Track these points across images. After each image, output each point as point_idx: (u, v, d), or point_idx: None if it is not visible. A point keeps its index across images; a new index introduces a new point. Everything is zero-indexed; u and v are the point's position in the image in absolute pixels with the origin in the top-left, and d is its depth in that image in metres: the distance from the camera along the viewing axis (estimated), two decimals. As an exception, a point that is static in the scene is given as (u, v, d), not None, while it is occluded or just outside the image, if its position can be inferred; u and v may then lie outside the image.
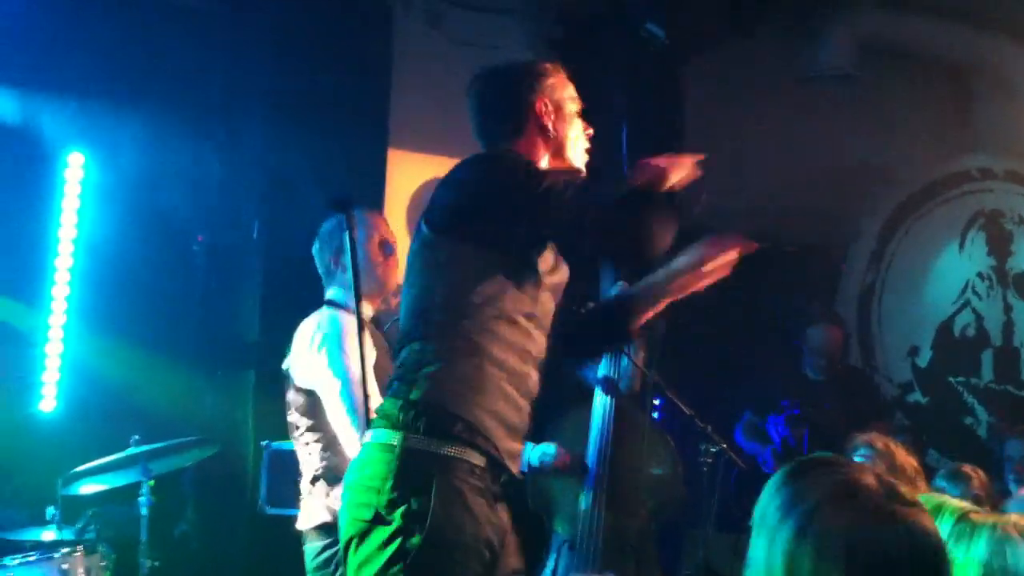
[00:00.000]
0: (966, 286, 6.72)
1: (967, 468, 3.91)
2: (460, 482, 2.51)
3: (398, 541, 2.45)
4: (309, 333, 3.62)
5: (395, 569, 2.45)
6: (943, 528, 1.81)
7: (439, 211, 2.70)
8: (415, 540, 2.44)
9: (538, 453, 4.49)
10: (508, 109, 2.83)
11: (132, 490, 4.24)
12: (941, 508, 1.88)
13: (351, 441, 3.38)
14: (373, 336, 3.64)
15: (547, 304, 2.73)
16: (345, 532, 2.57)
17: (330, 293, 3.77)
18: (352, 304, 3.59)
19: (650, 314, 2.88)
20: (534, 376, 2.69)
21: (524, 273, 2.66)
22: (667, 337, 4.51)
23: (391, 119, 5.68)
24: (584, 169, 2.90)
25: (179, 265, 5.26)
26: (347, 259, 3.02)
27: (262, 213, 5.33)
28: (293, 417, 3.71)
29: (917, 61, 6.91)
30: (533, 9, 6.25)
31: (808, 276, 6.90)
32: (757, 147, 6.78)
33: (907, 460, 3.66)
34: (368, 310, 3.70)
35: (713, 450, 4.60)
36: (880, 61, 6.73)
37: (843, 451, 3.77)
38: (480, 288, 2.59)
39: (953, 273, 6.77)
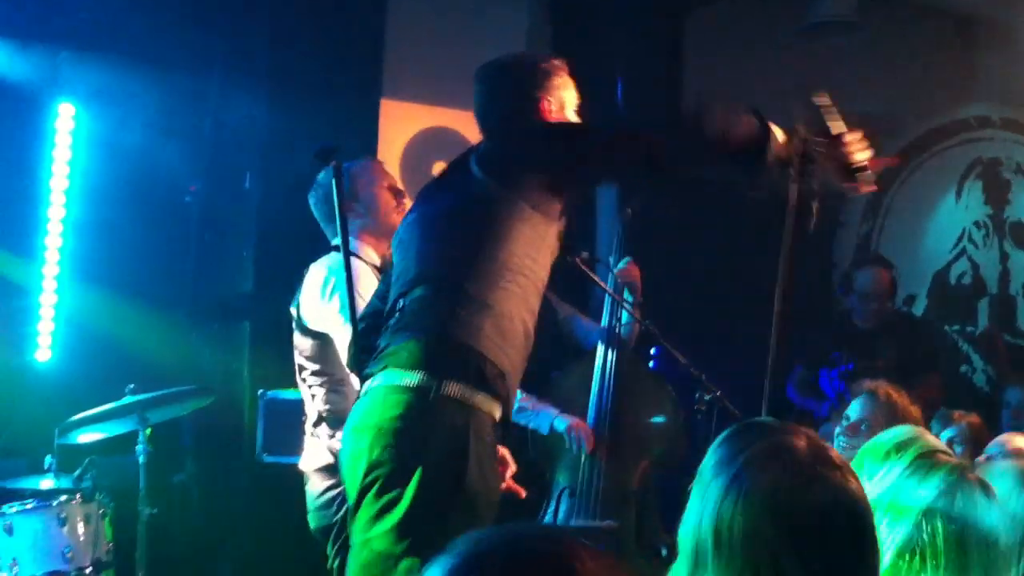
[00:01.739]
0: (962, 235, 6.69)
1: (958, 413, 3.92)
2: (487, 440, 2.54)
3: (431, 488, 2.44)
4: (320, 278, 3.62)
5: (420, 513, 2.44)
6: (901, 463, 1.83)
7: (485, 161, 2.75)
8: (445, 489, 2.45)
9: (559, 423, 4.47)
10: (515, 105, 2.88)
11: (129, 439, 4.24)
12: (911, 443, 1.88)
13: None
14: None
15: (555, 242, 2.79)
16: (358, 476, 2.52)
17: (337, 239, 3.75)
18: (360, 250, 3.60)
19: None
20: (533, 335, 2.72)
21: (551, 234, 2.72)
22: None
23: (384, 69, 5.65)
24: None
25: (172, 216, 5.25)
26: (336, 208, 3.01)
27: (254, 164, 5.31)
28: (300, 360, 3.72)
29: (917, 9, 6.85)
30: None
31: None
32: (757, 98, 6.73)
33: (909, 409, 3.65)
34: (374, 256, 3.71)
35: (707, 398, 4.60)
36: (881, 9, 6.67)
37: None
38: (522, 243, 2.63)
39: (950, 222, 6.74)
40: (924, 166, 6.86)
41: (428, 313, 2.60)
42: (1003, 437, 3.21)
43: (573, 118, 2.92)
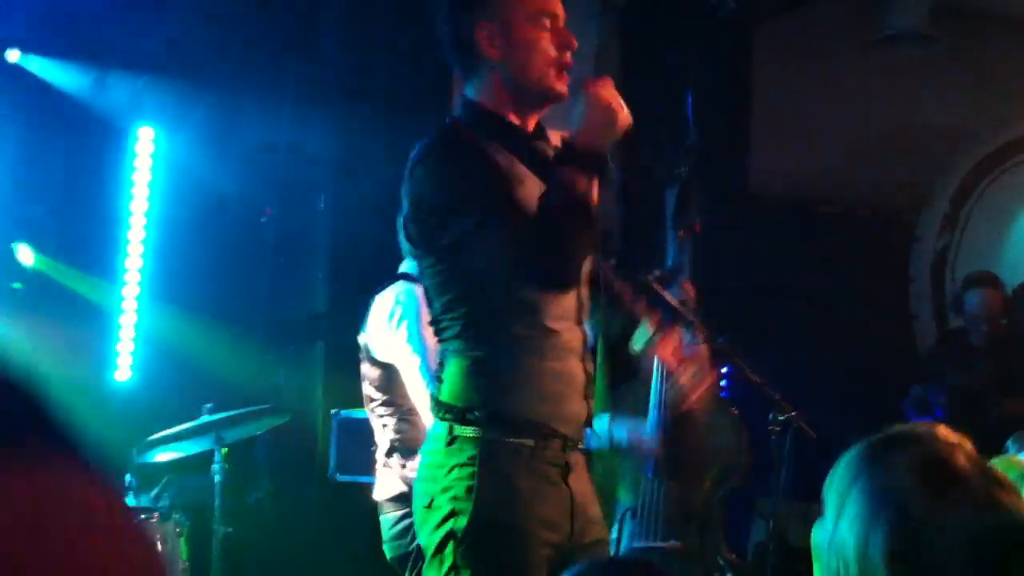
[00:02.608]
0: (1045, 248, 6.55)
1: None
2: (506, 464, 2.50)
3: (449, 524, 2.47)
4: (388, 307, 3.63)
5: (447, 550, 2.47)
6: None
7: (413, 212, 2.56)
8: (461, 522, 2.45)
9: (618, 427, 4.46)
10: (451, 43, 2.50)
11: (206, 458, 4.30)
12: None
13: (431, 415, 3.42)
14: None
15: (575, 297, 2.65)
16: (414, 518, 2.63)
17: (405, 266, 3.75)
18: None
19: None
20: (568, 335, 2.58)
21: None
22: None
23: (454, 88, 5.67)
24: (563, 91, 2.51)
25: (248, 238, 5.32)
26: None
27: (329, 187, 5.37)
28: (368, 390, 3.73)
29: (992, 20, 6.73)
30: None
31: (880, 241, 6.78)
32: (828, 112, 6.67)
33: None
34: None
35: (782, 418, 4.54)
36: (953, 21, 6.56)
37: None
38: (481, 273, 2.51)
39: (1031, 236, 6.61)
40: (1001, 180, 6.73)
41: (440, 369, 2.61)
42: None
43: (537, 33, 2.46)
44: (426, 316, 3.45)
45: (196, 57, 5.17)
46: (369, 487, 3.83)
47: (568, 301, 2.60)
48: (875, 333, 6.39)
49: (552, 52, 2.47)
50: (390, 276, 3.77)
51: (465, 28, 2.47)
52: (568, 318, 2.61)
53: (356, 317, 3.83)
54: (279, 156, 5.33)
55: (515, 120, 2.54)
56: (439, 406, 2.56)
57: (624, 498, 4.61)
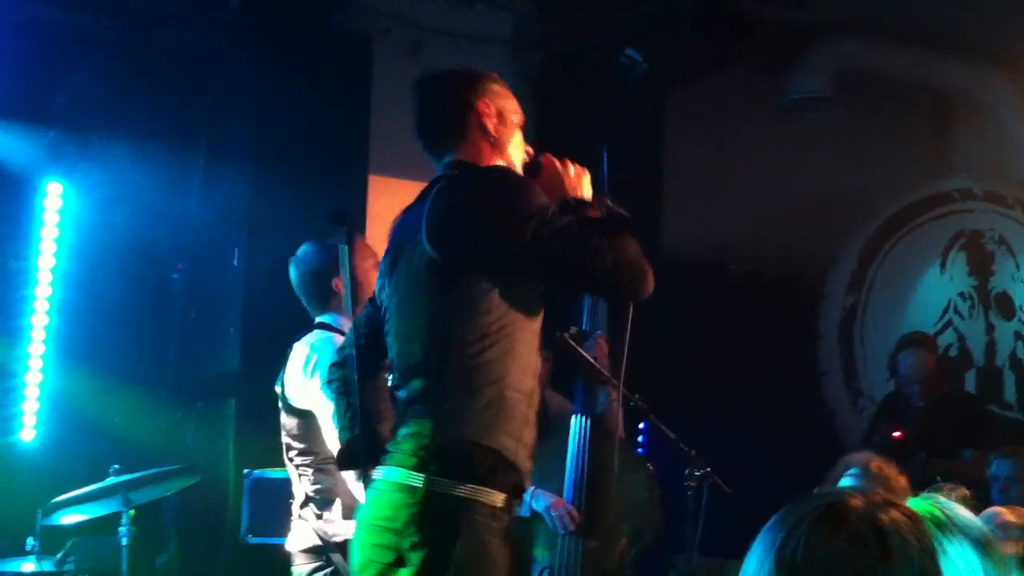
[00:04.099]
0: (948, 306, 6.74)
1: (947, 486, 3.91)
2: (483, 529, 2.48)
3: None
4: (303, 355, 3.61)
5: None
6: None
7: (456, 244, 2.60)
8: None
9: (537, 502, 4.46)
10: (450, 109, 2.77)
11: (113, 520, 4.19)
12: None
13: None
14: None
15: (541, 313, 2.70)
16: (355, 568, 2.56)
17: (321, 316, 3.72)
18: (344, 326, 3.58)
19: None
20: (538, 391, 2.66)
21: (533, 295, 2.64)
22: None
23: (371, 146, 5.69)
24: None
25: (159, 294, 5.25)
26: (346, 276, 3.00)
27: (241, 241, 5.33)
28: (286, 439, 3.69)
29: (896, 87, 6.97)
30: (514, 38, 6.29)
31: (789, 301, 6.91)
32: (738, 175, 6.82)
33: (898, 480, 3.66)
34: None
35: (697, 474, 4.58)
36: (859, 87, 6.79)
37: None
38: (497, 316, 2.55)
39: (935, 294, 6.79)
40: (906, 239, 6.94)
41: (417, 410, 2.58)
42: (990, 511, 3.21)
43: (515, 132, 2.80)
44: None
45: (107, 113, 5.12)
46: (282, 548, 3.75)
47: (536, 359, 2.65)
48: (786, 390, 6.50)
49: (522, 147, 2.83)
50: (306, 327, 3.74)
51: (468, 99, 2.77)
52: (536, 376, 2.65)
53: (269, 373, 3.78)
54: (191, 211, 5.28)
55: None
56: (422, 446, 2.50)
57: (541, 557, 4.58)
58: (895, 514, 1.39)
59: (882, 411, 5.91)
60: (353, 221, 3.04)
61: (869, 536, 1.35)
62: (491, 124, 2.76)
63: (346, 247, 3.00)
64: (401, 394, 2.65)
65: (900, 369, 5.70)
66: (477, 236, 2.58)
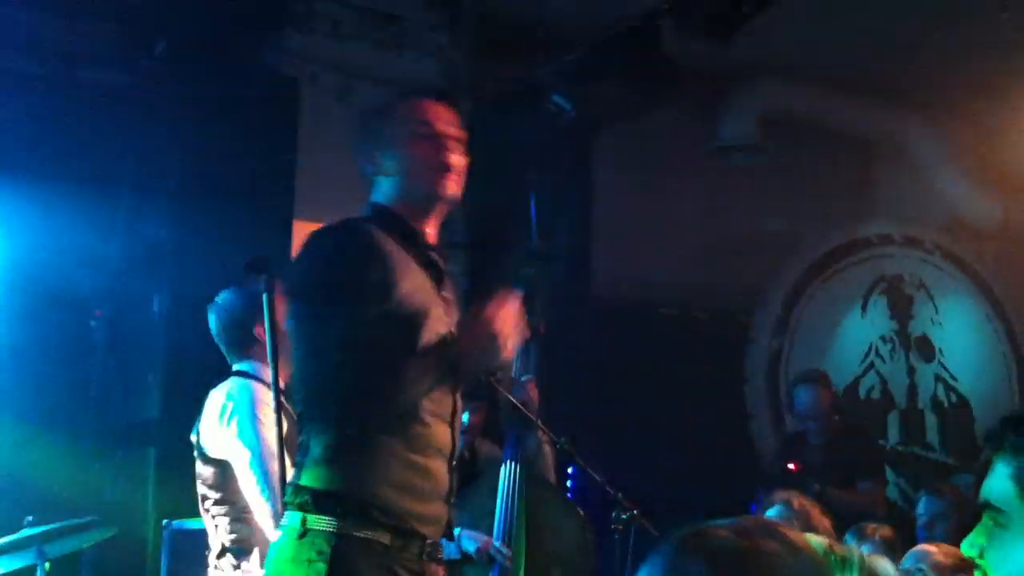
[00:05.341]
0: (870, 349, 6.85)
1: (871, 526, 3.97)
2: (359, 559, 2.48)
3: None
4: (219, 402, 3.56)
5: None
6: None
7: (293, 298, 2.68)
8: None
9: (467, 543, 4.43)
10: (363, 165, 2.81)
11: (27, 573, 4.08)
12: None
13: (263, 511, 3.35)
14: (284, 408, 3.58)
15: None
16: None
17: (240, 364, 3.69)
18: (263, 375, 3.53)
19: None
20: (442, 433, 2.63)
21: (389, 335, 2.58)
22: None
23: (297, 191, 5.66)
24: (449, 195, 2.77)
25: (77, 340, 5.15)
26: (266, 323, 2.97)
27: (163, 287, 5.25)
28: (202, 489, 3.63)
29: (819, 132, 7.10)
30: (443, 82, 6.30)
31: (717, 342, 6.98)
32: (666, 218, 6.89)
33: (821, 520, 3.72)
34: (281, 380, 3.65)
35: (624, 516, 4.58)
36: (784, 132, 6.90)
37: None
38: (349, 360, 2.54)
39: (857, 337, 6.90)
40: (829, 282, 7.05)
41: (300, 454, 2.61)
42: (918, 549, 3.25)
43: (425, 144, 2.75)
44: (261, 411, 3.42)
45: (27, 153, 5.04)
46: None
47: (446, 400, 2.64)
48: (713, 431, 6.55)
49: (434, 158, 2.76)
50: (226, 375, 3.69)
51: (368, 150, 2.80)
52: (442, 417, 2.63)
53: (190, 422, 3.72)
54: (113, 254, 5.19)
55: (414, 226, 2.76)
56: (295, 491, 2.55)
57: (471, 602, 4.55)
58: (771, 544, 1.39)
59: (783, 447, 5.99)
60: (274, 268, 3.01)
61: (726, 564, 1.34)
62: (390, 166, 2.76)
63: (266, 295, 2.98)
64: (300, 439, 2.68)
65: (796, 406, 5.82)
66: (306, 296, 2.63)
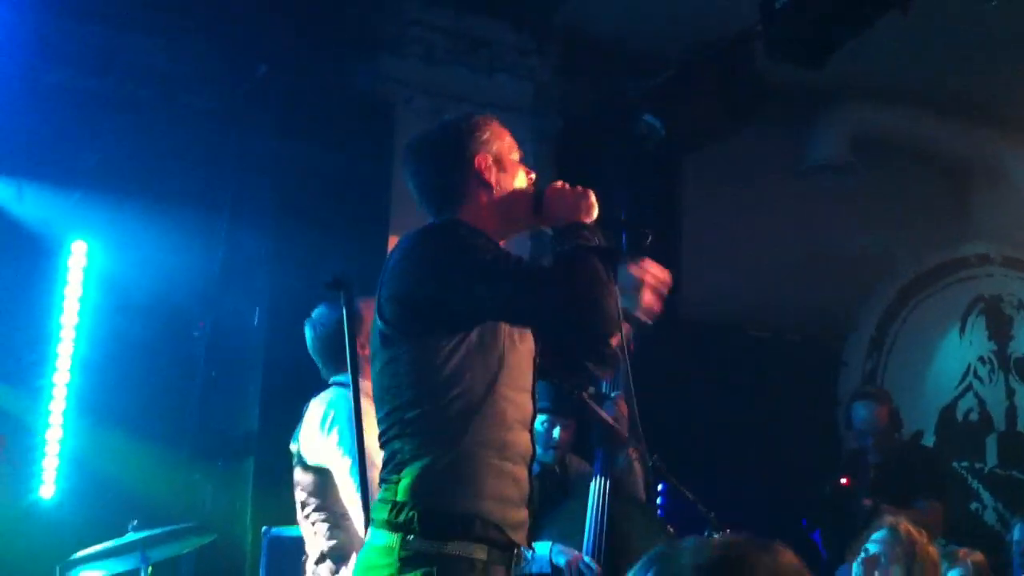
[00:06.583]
0: (968, 371, 6.72)
1: (963, 551, 3.88)
2: None
3: None
4: (320, 412, 3.62)
5: None
6: None
7: (394, 305, 2.60)
8: None
9: (558, 557, 4.43)
10: (448, 173, 2.73)
11: (131, 577, 4.20)
12: None
13: (362, 519, 3.38)
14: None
15: (522, 363, 2.66)
16: None
17: (337, 376, 3.73)
18: (365, 386, 3.59)
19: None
20: (524, 439, 2.63)
21: (490, 344, 2.58)
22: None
23: (392, 210, 5.75)
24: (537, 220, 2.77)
25: (180, 352, 5.28)
26: (346, 337, 3.03)
27: (263, 300, 5.37)
28: (300, 496, 3.69)
29: (912, 152, 7.01)
30: (534, 104, 6.37)
31: (808, 364, 6.90)
32: (756, 239, 6.85)
33: (927, 549, 3.60)
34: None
35: (715, 535, 4.55)
36: (875, 153, 6.83)
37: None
38: (448, 374, 2.52)
39: (954, 358, 6.77)
40: (925, 303, 6.93)
41: (387, 470, 2.59)
42: None
43: (517, 172, 2.76)
44: (366, 422, 3.47)
45: (131, 172, 5.20)
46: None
47: (526, 406, 2.64)
48: (803, 455, 6.46)
49: (525, 181, 2.78)
50: (321, 391, 3.75)
51: (464, 157, 2.73)
52: (523, 423, 2.63)
53: (288, 432, 3.79)
54: (214, 271, 5.33)
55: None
56: (393, 509, 2.50)
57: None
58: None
59: (843, 464, 5.88)
60: (352, 285, 3.04)
61: None
62: (491, 176, 2.73)
63: (344, 309, 3.02)
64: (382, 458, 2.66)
65: (854, 422, 5.70)
66: (415, 300, 2.56)
